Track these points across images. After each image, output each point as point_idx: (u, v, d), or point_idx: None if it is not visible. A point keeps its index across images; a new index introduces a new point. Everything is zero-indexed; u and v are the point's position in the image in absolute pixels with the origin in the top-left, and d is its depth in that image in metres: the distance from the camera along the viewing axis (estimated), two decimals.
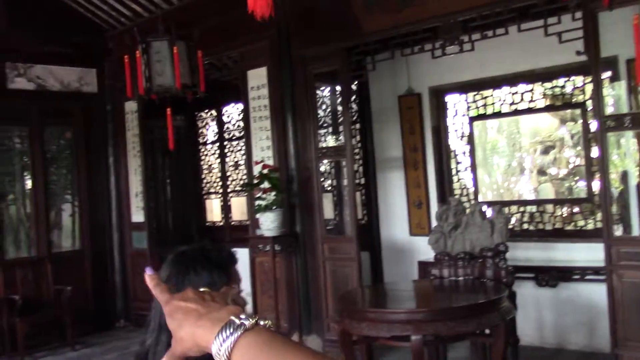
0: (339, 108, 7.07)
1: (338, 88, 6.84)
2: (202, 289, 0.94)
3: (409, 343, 4.12)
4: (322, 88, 7.17)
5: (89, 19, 8.00)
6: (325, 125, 7.29)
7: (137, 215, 8.20)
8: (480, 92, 6.90)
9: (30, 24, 7.53)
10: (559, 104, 6.58)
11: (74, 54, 8.08)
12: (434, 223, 6.26)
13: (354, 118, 7.40)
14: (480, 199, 6.85)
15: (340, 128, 6.87)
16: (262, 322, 0.85)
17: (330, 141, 7.15)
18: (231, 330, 0.83)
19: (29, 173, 7.81)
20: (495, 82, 6.65)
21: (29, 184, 7.82)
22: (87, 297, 7.94)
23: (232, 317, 0.85)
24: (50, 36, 7.73)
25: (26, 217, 7.74)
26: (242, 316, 0.85)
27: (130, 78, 5.62)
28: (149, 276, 0.96)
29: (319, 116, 6.66)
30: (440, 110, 7.12)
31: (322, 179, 6.47)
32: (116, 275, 8.33)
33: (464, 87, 6.90)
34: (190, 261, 1.53)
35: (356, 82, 7.00)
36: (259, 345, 0.82)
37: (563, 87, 6.43)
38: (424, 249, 6.27)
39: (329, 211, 6.74)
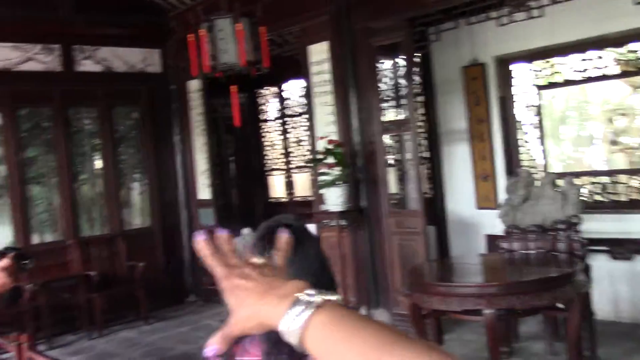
0: (402, 81, 6.96)
1: (400, 60, 6.73)
2: (260, 261, 0.90)
3: (480, 317, 4.08)
4: (384, 61, 7.07)
5: (152, 0, 8.12)
6: (388, 98, 7.21)
7: (203, 193, 8.36)
8: (549, 60, 6.67)
9: (95, 7, 7.70)
10: (631, 70, 6.30)
11: (137, 35, 8.24)
12: (501, 196, 6.16)
13: (417, 91, 7.28)
14: (548, 170, 6.67)
15: (404, 101, 6.78)
16: (332, 298, 0.82)
17: (393, 115, 7.07)
18: (302, 307, 0.80)
19: (99, 153, 8.05)
20: (565, 49, 6.40)
21: (99, 163, 8.06)
22: (158, 273, 8.18)
23: (300, 294, 0.81)
24: (114, 18, 7.90)
25: (98, 196, 7.99)
26: (310, 292, 0.82)
27: (194, 57, 5.68)
28: (201, 242, 0.89)
29: (381, 90, 6.58)
30: (506, 80, 6.94)
31: (386, 153, 6.42)
32: (185, 252, 8.54)
33: (531, 56, 6.68)
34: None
35: (419, 54, 6.87)
36: (333, 323, 0.79)
37: (636, 52, 6.15)
38: (490, 223, 6.18)
39: (393, 185, 6.69)
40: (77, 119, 7.90)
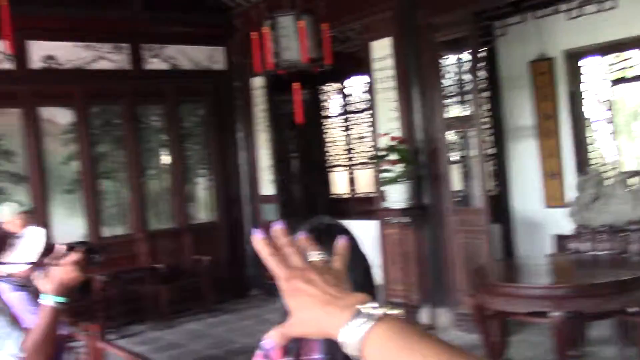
0: (466, 76, 6.84)
1: (465, 56, 6.62)
2: (322, 263, 0.91)
3: (547, 319, 3.98)
4: (448, 56, 6.97)
5: None
6: (451, 94, 7.10)
7: (266, 188, 8.45)
8: (622, 54, 6.41)
9: (163, 6, 7.89)
10: None
11: (203, 33, 8.40)
12: (569, 194, 5.98)
13: (482, 86, 7.14)
14: (620, 168, 6.43)
15: (468, 97, 6.66)
16: (391, 312, 0.82)
17: (457, 111, 6.96)
18: (362, 320, 0.81)
19: (166, 149, 8.25)
20: (639, 42, 6.15)
21: (165, 159, 8.27)
22: (222, 267, 8.33)
23: (361, 307, 0.82)
24: (181, 17, 8.08)
25: (164, 190, 8.20)
26: (371, 305, 0.83)
27: (257, 54, 5.75)
28: (259, 241, 0.90)
29: (445, 85, 6.49)
30: (575, 74, 6.72)
31: (449, 150, 6.32)
32: (248, 246, 8.66)
33: (602, 49, 6.44)
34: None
35: (484, 49, 6.73)
36: (392, 337, 0.79)
37: None
38: (558, 222, 6.00)
39: (457, 182, 6.59)
40: (145, 115, 8.13)
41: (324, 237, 1.46)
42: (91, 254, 2.14)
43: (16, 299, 2.66)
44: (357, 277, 1.43)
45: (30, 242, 3.12)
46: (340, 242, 0.98)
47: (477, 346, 4.62)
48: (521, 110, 6.97)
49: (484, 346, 4.48)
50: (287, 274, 0.89)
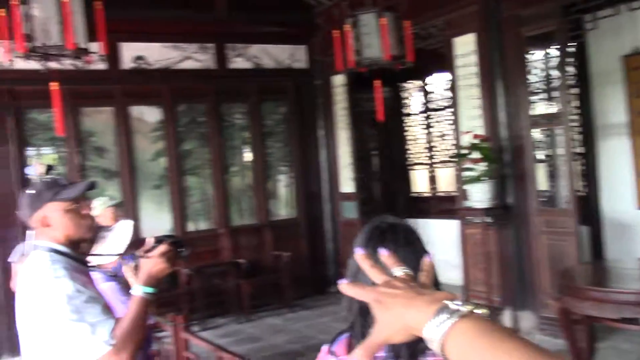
0: (554, 72, 6.60)
1: (553, 51, 6.39)
2: (404, 272, 0.93)
3: (637, 327, 3.79)
4: (534, 52, 6.74)
5: None
6: (538, 91, 6.87)
7: (346, 186, 8.47)
8: None
9: (246, 7, 8.05)
10: None
11: (285, 33, 8.51)
12: None
13: (571, 82, 6.87)
14: None
15: (555, 94, 6.42)
16: (478, 311, 0.82)
17: (543, 108, 6.72)
18: (447, 315, 0.80)
19: (248, 146, 8.42)
20: None
21: (248, 156, 8.44)
22: (302, 263, 8.42)
23: (447, 302, 0.82)
24: (264, 17, 8.21)
25: (247, 187, 8.37)
26: (457, 302, 0.82)
27: (339, 52, 5.76)
28: (362, 256, 0.96)
29: (531, 82, 6.28)
30: None
31: (535, 148, 6.12)
32: (328, 243, 8.73)
33: None
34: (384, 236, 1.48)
35: (574, 43, 6.48)
36: (475, 333, 0.79)
37: None
38: None
39: (543, 182, 6.37)
40: (229, 113, 8.32)
41: (389, 236, 1.45)
42: (179, 247, 2.22)
43: (108, 289, 2.78)
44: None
45: (120, 234, 3.26)
46: (427, 260, 1.01)
47: (562, 352, 4.45)
48: (613, 107, 6.66)
49: (570, 352, 4.32)
50: (383, 278, 0.92)
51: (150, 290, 2.13)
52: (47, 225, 2.18)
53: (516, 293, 6.04)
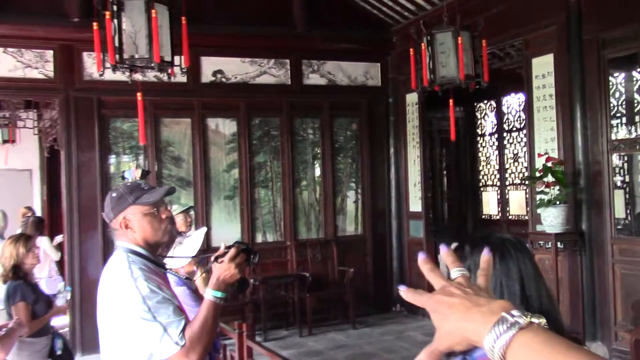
0: (636, 96, 6.40)
1: (636, 74, 6.20)
2: (461, 274, 0.93)
3: None
4: (616, 74, 6.56)
5: (374, 15, 8.43)
6: (618, 115, 6.66)
7: (415, 205, 8.43)
8: None
9: (324, 24, 8.20)
10: None
11: (360, 50, 8.60)
12: None
13: None
14: None
15: (637, 118, 6.22)
16: (536, 321, 0.81)
17: (624, 133, 6.51)
18: (506, 326, 0.80)
19: (319, 161, 8.51)
20: None
21: (318, 171, 8.53)
22: (367, 280, 8.42)
23: (505, 313, 0.81)
24: (340, 34, 8.33)
25: (315, 201, 8.46)
26: (515, 312, 0.81)
27: (414, 70, 5.78)
28: (423, 260, 0.96)
29: (612, 105, 6.11)
30: None
31: (614, 174, 5.92)
32: (394, 261, 8.69)
33: None
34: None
35: None
36: (536, 346, 0.78)
37: None
38: None
39: (620, 209, 6.15)
40: (302, 128, 8.45)
41: (519, 246, 1.48)
42: (249, 254, 2.28)
43: (179, 293, 2.88)
44: (512, 289, 1.42)
45: (194, 239, 3.37)
46: (484, 256, 0.99)
47: None
48: None
49: None
50: (441, 282, 0.92)
51: (220, 294, 2.20)
52: (128, 228, 2.30)
53: (587, 323, 5.84)
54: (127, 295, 2.13)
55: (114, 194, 2.33)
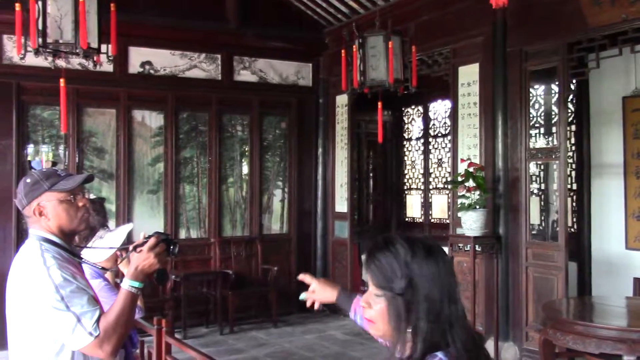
0: (554, 108, 6.69)
1: (554, 87, 6.48)
2: None
3: None
4: (536, 86, 6.84)
5: (308, 16, 8.45)
6: (537, 125, 6.95)
7: (341, 205, 8.51)
8: None
9: (257, 21, 8.17)
10: None
11: (293, 49, 8.61)
12: None
13: (570, 119, 6.97)
14: None
15: (554, 129, 6.50)
16: None
17: (541, 142, 6.80)
18: None
19: (246, 159, 8.46)
20: None
21: (245, 169, 8.48)
22: (290, 279, 8.42)
23: None
24: (273, 32, 8.32)
25: (242, 199, 8.40)
26: None
27: (345, 72, 5.84)
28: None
29: (531, 115, 6.36)
30: None
31: (530, 181, 6.17)
32: (318, 261, 8.74)
33: None
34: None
35: (575, 81, 6.57)
36: None
37: None
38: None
39: (535, 215, 6.42)
40: (231, 125, 8.38)
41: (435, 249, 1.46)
42: (169, 244, 2.23)
43: (95, 285, 2.79)
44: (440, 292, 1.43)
45: (116, 234, 3.27)
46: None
47: None
48: (610, 147, 6.74)
49: None
50: None
51: (137, 284, 2.15)
52: (42, 215, 2.21)
53: (500, 324, 6.06)
54: (39, 284, 2.05)
55: (28, 180, 2.23)
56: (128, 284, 2.14)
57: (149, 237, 2.21)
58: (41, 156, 5.88)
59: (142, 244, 2.18)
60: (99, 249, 3.04)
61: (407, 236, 1.50)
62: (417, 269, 1.41)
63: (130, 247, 2.21)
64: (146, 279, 2.18)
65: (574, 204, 7.06)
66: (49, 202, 2.20)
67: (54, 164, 5.24)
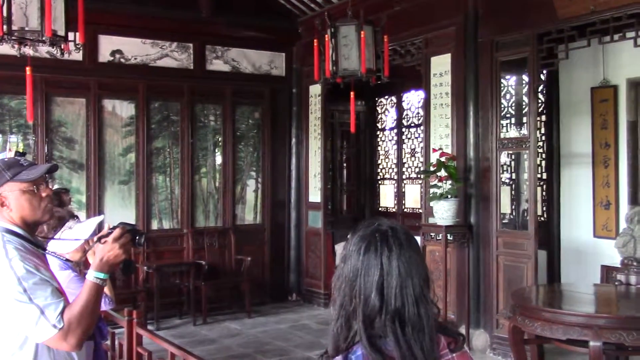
0: (525, 98, 6.75)
1: (525, 77, 6.54)
2: None
3: (585, 349, 3.89)
4: (507, 76, 6.90)
5: (282, 5, 8.41)
6: (508, 115, 7.02)
7: (314, 195, 8.51)
8: None
9: (230, 10, 8.10)
10: None
11: (266, 39, 8.57)
12: (623, 226, 5.82)
13: (540, 109, 7.04)
14: None
15: (525, 119, 6.57)
16: None
17: (512, 132, 6.87)
18: None
19: (219, 149, 8.41)
20: None
21: (218, 159, 8.43)
22: (263, 269, 8.43)
23: None
24: (246, 21, 8.27)
25: (215, 189, 8.36)
26: None
27: (317, 61, 5.82)
28: None
29: (502, 106, 6.42)
30: (638, 104, 6.55)
31: (501, 171, 6.24)
32: (291, 251, 8.75)
33: None
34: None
35: (545, 71, 6.64)
36: None
37: None
38: (608, 253, 5.86)
39: (506, 204, 6.49)
40: (203, 115, 8.31)
41: (392, 239, 1.44)
42: (134, 235, 2.21)
43: (62, 278, 2.75)
44: (417, 283, 1.43)
45: (85, 225, 3.22)
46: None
47: None
48: (578, 137, 6.84)
49: None
50: None
51: (102, 275, 2.11)
52: (4, 205, 2.17)
53: (471, 311, 6.13)
54: (1, 276, 2.02)
55: None
56: (93, 275, 2.11)
57: (114, 227, 2.18)
58: (8, 146, 5.72)
59: (107, 235, 2.15)
60: (66, 240, 3.00)
61: (371, 224, 1.50)
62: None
63: (95, 238, 2.18)
64: (111, 270, 2.15)
65: (544, 193, 7.15)
66: (12, 192, 2.16)
67: (23, 154, 5.13)
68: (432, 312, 1.42)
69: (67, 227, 3.17)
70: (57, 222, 3.12)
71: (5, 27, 4.38)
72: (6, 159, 2.31)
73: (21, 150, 2.59)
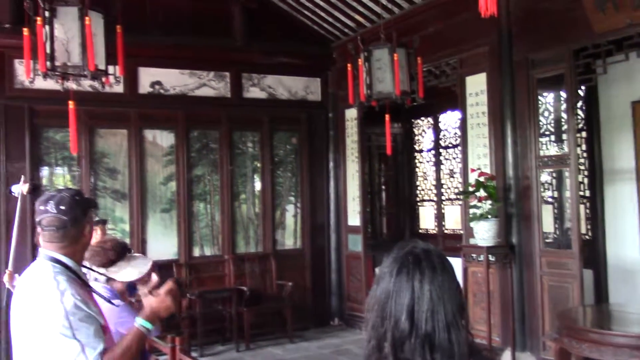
0: (564, 115, 6.66)
1: (563, 94, 6.46)
2: None
3: None
4: (544, 94, 6.82)
5: (315, 31, 8.51)
6: (547, 133, 6.92)
7: (353, 219, 8.50)
8: None
9: (264, 38, 8.23)
10: None
11: (301, 65, 8.66)
12: None
13: (580, 126, 6.93)
14: None
15: (564, 136, 6.47)
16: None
17: (552, 150, 6.77)
18: None
19: (258, 175, 8.50)
20: None
21: (257, 185, 8.51)
22: (305, 294, 8.42)
23: None
24: (281, 48, 8.38)
25: (255, 215, 8.43)
26: None
27: (352, 85, 5.86)
28: None
29: (541, 123, 6.34)
30: None
31: (542, 189, 6.14)
32: (332, 275, 8.73)
33: None
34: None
35: (583, 87, 6.55)
36: None
37: None
38: None
39: (548, 223, 6.37)
40: (242, 142, 8.43)
41: (424, 262, 1.44)
42: (180, 286, 2.29)
43: (108, 311, 2.82)
44: (449, 310, 1.41)
45: (139, 264, 3.26)
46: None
47: None
48: (621, 152, 6.69)
49: None
50: None
51: (149, 326, 2.18)
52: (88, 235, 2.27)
53: (517, 333, 6.01)
54: (50, 307, 2.07)
55: (77, 197, 2.28)
56: (141, 323, 2.17)
57: (162, 280, 2.26)
58: (23, 178, 5.75)
59: (158, 286, 2.23)
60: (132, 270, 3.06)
61: (405, 247, 1.50)
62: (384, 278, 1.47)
63: (146, 290, 2.26)
64: (159, 321, 2.22)
65: (588, 210, 6.99)
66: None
67: (36, 187, 5.24)
68: (464, 339, 1.39)
69: (124, 261, 3.20)
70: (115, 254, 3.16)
71: (48, 63, 4.54)
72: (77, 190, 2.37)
73: (38, 183, 2.72)
